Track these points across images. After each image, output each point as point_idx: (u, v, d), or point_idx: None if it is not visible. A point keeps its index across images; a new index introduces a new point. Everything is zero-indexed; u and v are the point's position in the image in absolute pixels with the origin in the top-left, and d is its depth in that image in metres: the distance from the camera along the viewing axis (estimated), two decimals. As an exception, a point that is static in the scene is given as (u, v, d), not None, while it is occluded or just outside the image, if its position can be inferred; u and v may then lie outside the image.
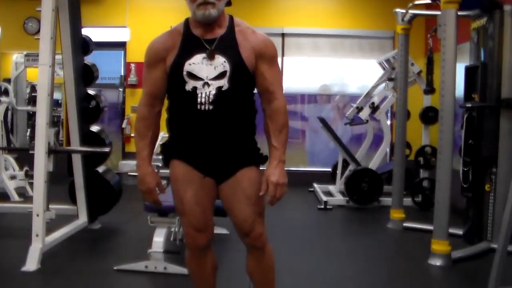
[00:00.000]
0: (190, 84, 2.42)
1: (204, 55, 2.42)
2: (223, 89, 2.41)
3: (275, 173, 2.46)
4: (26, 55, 8.51)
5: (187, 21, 2.53)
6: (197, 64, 2.42)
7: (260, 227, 2.53)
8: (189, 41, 2.46)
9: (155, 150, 2.68)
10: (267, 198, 2.48)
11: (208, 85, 2.41)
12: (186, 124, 2.49)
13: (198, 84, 2.41)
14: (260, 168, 2.59)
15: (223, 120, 2.44)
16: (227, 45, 2.44)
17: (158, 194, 2.59)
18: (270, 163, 2.52)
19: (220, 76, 2.42)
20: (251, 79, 2.50)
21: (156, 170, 2.61)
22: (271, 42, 2.54)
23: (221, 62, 2.41)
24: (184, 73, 2.42)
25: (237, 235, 2.60)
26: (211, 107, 2.40)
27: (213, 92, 2.40)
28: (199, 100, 2.40)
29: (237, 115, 2.48)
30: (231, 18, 2.54)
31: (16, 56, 9.15)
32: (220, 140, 2.47)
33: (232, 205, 2.53)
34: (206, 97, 2.40)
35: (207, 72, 2.41)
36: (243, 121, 2.53)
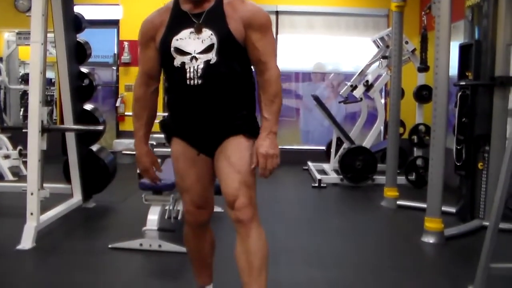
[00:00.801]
0: (178, 60, 2.39)
1: (191, 29, 2.38)
2: (211, 62, 2.37)
3: (264, 144, 2.39)
4: (17, 33, 8.45)
5: None
6: (184, 39, 2.39)
7: (245, 198, 2.40)
8: (177, 17, 2.44)
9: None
10: (259, 170, 2.41)
11: (196, 59, 2.37)
12: (178, 100, 2.47)
13: (186, 59, 2.38)
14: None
15: (213, 94, 2.41)
16: (215, 18, 2.39)
17: (155, 171, 2.66)
18: (260, 135, 2.45)
19: (208, 49, 2.37)
20: (241, 51, 2.43)
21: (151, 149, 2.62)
22: (260, 11, 2.45)
23: (208, 35, 2.37)
24: (172, 49, 2.39)
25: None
26: (200, 81, 2.37)
27: (201, 66, 2.37)
28: (188, 75, 2.38)
29: (227, 88, 2.43)
30: None
31: (8, 35, 9.08)
32: (210, 114, 2.44)
33: (218, 173, 2.50)
34: (195, 72, 2.37)
35: (194, 46, 2.37)
36: (235, 94, 2.46)
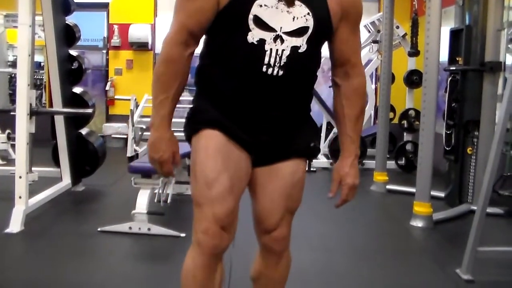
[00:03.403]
0: (255, 34, 1.74)
1: None
2: (299, 50, 1.77)
3: (351, 174, 1.99)
4: (5, 16, 8.34)
5: None
6: (269, 7, 1.72)
7: (287, 228, 2.00)
8: None
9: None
10: (337, 200, 2.02)
11: (282, 40, 1.75)
12: (238, 87, 1.82)
13: (268, 36, 1.74)
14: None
15: (293, 92, 1.85)
16: None
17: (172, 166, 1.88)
18: (344, 158, 2.00)
19: (299, 32, 1.76)
20: (327, 40, 1.91)
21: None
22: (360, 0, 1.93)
23: (303, 14, 1.75)
24: (251, 16, 1.72)
25: (254, 230, 2.04)
26: (281, 72, 1.76)
27: (287, 52, 1.75)
28: (266, 59, 1.75)
29: (309, 87, 1.95)
30: None
31: (-5, 17, 8.96)
32: (283, 115, 1.88)
33: (262, 192, 1.95)
34: (278, 57, 1.75)
35: (282, 21, 1.74)
36: (310, 94, 2.00)
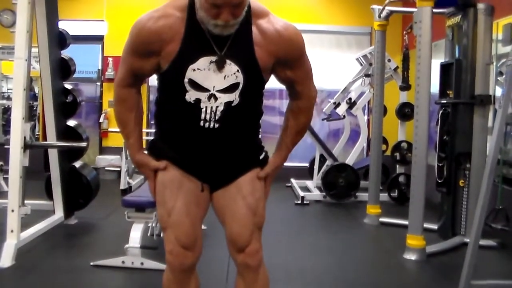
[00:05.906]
0: (191, 95, 1.97)
1: (211, 58, 1.93)
2: (232, 104, 2.00)
3: (271, 176, 2.25)
4: (1, 48, 8.39)
5: (192, 3, 1.92)
6: (202, 70, 1.94)
7: (257, 243, 2.15)
8: (194, 35, 1.92)
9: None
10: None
11: (215, 98, 1.97)
12: (183, 136, 2.10)
13: (202, 96, 1.97)
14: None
15: (229, 137, 2.08)
16: (241, 47, 1.95)
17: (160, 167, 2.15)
18: (275, 158, 2.24)
19: (231, 88, 1.98)
20: (263, 84, 2.11)
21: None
22: (297, 36, 2.06)
23: (233, 71, 1.95)
24: (186, 80, 1.95)
25: (229, 251, 2.20)
26: (217, 125, 2.01)
27: (221, 108, 1.98)
28: (202, 115, 1.99)
29: (246, 130, 2.15)
30: (248, 6, 1.94)
31: (-10, 49, 8.99)
32: (223, 153, 2.11)
33: (229, 214, 2.15)
34: (212, 114, 1.99)
35: (214, 81, 1.95)
36: (251, 132, 2.20)
